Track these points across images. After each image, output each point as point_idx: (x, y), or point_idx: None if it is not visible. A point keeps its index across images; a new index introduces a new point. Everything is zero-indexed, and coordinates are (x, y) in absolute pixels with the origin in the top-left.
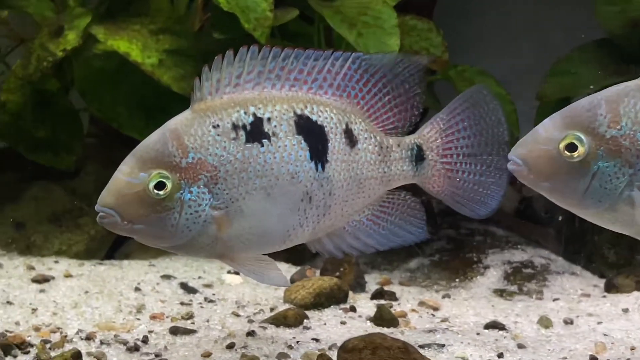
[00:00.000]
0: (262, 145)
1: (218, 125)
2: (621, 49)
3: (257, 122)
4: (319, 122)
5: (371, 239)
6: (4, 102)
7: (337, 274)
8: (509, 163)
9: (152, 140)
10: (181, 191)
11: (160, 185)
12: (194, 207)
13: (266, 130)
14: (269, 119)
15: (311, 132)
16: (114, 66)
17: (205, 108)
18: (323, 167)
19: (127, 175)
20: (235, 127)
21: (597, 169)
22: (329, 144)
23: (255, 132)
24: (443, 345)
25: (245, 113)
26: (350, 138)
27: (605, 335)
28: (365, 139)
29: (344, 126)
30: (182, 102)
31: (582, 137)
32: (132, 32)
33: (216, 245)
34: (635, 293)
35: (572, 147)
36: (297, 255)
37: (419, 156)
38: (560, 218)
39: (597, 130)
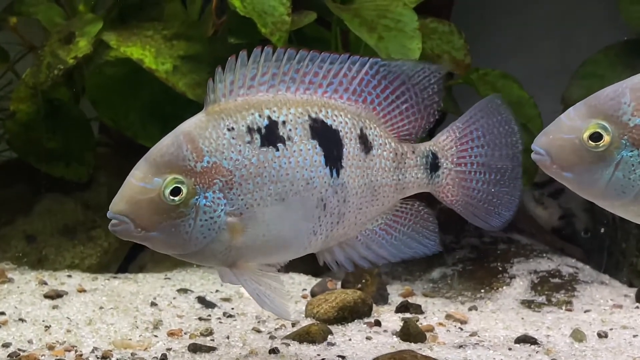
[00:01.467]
0: (277, 150)
1: (233, 128)
2: None
3: (272, 125)
4: (333, 127)
5: (383, 249)
6: (14, 111)
7: (359, 285)
8: (532, 153)
9: (166, 144)
10: (196, 197)
11: (175, 191)
12: (209, 213)
13: (281, 133)
14: (283, 122)
15: (326, 137)
16: (126, 73)
17: (219, 110)
18: (338, 173)
19: (140, 181)
20: (250, 130)
21: (620, 159)
22: (344, 149)
23: (270, 135)
24: None
25: (259, 116)
26: (365, 144)
27: None
28: (380, 144)
29: (358, 131)
30: (197, 110)
31: (607, 125)
32: (145, 38)
33: (229, 252)
34: None
35: (596, 137)
36: (316, 266)
37: (433, 164)
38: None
39: (621, 119)
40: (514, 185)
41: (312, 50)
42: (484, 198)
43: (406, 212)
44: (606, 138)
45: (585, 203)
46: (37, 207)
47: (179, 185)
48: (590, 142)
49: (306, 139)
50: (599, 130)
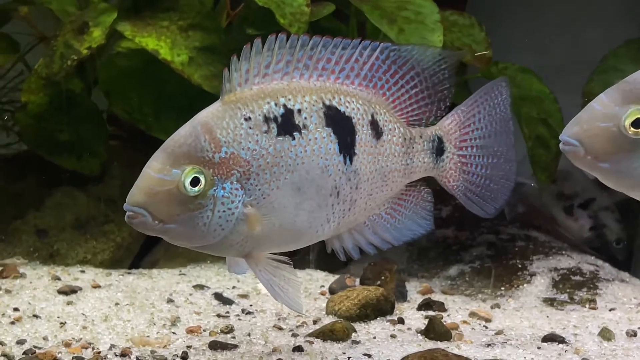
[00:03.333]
0: (294, 138)
1: (250, 118)
2: None
3: (288, 114)
4: (346, 114)
5: (388, 233)
6: (25, 103)
7: (378, 282)
8: (561, 144)
9: (183, 135)
10: (214, 187)
11: (194, 182)
12: (227, 204)
13: (297, 122)
14: (299, 111)
15: (340, 124)
16: (139, 64)
17: (235, 100)
18: (351, 160)
19: (158, 172)
20: (266, 119)
21: None
22: (357, 136)
23: (287, 124)
24: None
25: (275, 104)
26: (376, 130)
27: None
28: (390, 130)
29: (369, 117)
30: (212, 101)
31: None
32: (161, 28)
33: (246, 243)
34: None
35: (638, 123)
36: (330, 261)
37: (439, 148)
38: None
39: None
40: (508, 169)
41: (324, 36)
42: (482, 183)
43: (410, 195)
44: None
45: (616, 212)
46: (48, 201)
47: (198, 176)
48: (632, 129)
49: (321, 126)
50: None
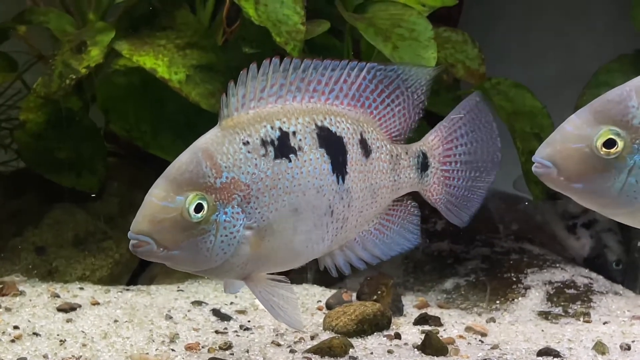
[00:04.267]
0: (290, 161)
1: (248, 142)
2: None
3: (284, 136)
4: (337, 134)
5: (377, 249)
6: (24, 121)
7: (375, 297)
8: (533, 166)
9: (184, 161)
10: (217, 213)
11: (198, 208)
12: (229, 228)
13: (292, 144)
14: (294, 133)
15: (332, 144)
16: (137, 83)
17: (233, 124)
18: (343, 179)
19: (162, 200)
20: (264, 142)
21: (633, 164)
22: (348, 156)
23: (283, 147)
24: None
25: (271, 128)
26: (365, 148)
27: None
28: (378, 147)
29: (359, 136)
30: (210, 119)
31: (619, 131)
32: (158, 47)
33: (246, 265)
34: None
35: (610, 143)
36: (327, 276)
37: (424, 164)
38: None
39: (630, 123)
40: (487, 181)
41: (314, 58)
42: (461, 194)
43: (397, 210)
44: (619, 144)
45: (618, 234)
46: (46, 218)
47: (201, 202)
48: (604, 149)
49: (315, 147)
50: (612, 137)
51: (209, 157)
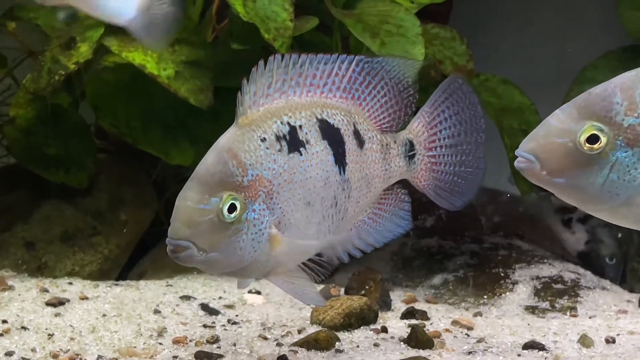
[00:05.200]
0: (301, 154)
1: (265, 139)
2: None
3: (293, 131)
4: (335, 126)
5: (371, 237)
6: (13, 117)
7: (363, 292)
8: (516, 160)
9: (211, 163)
10: (247, 211)
11: (231, 208)
12: (258, 225)
13: (301, 138)
14: (300, 127)
15: (332, 136)
16: (126, 79)
17: (248, 122)
18: (344, 170)
19: (197, 203)
20: (278, 138)
21: (615, 160)
22: (346, 147)
23: (294, 141)
24: None
25: (281, 123)
26: (359, 139)
27: None
28: (370, 138)
29: (353, 128)
30: (199, 115)
31: (602, 127)
32: None
33: (269, 262)
34: None
35: (593, 139)
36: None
37: (411, 151)
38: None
39: (614, 119)
40: (477, 164)
41: (309, 53)
42: (450, 179)
43: (388, 198)
44: (603, 140)
45: (614, 229)
46: (36, 214)
47: (234, 202)
48: (587, 144)
49: (319, 140)
50: (595, 132)
51: (234, 156)
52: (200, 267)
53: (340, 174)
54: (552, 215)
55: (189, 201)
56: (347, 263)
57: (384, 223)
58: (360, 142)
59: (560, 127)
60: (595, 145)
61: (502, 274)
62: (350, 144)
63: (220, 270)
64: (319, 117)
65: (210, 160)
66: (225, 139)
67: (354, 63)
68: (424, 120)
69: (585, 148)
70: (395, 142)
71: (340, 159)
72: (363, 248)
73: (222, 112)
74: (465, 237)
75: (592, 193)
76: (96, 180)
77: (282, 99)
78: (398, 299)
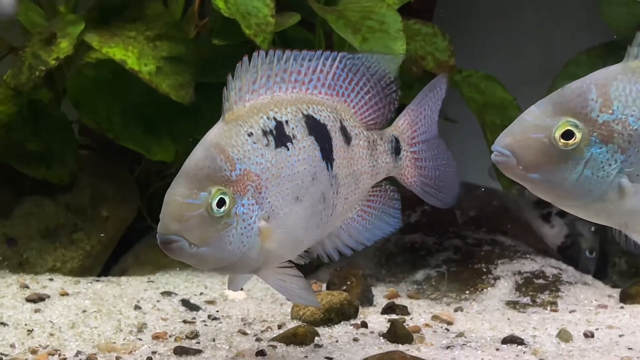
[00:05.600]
0: (288, 149)
1: (252, 133)
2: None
3: (279, 126)
4: (322, 122)
5: (361, 235)
6: None
7: (344, 287)
8: (493, 155)
9: (199, 158)
10: (236, 205)
11: (220, 203)
12: (247, 220)
13: (288, 133)
14: (287, 122)
15: (319, 132)
16: (108, 75)
17: (235, 117)
18: (331, 166)
19: (186, 197)
20: (264, 133)
21: (590, 156)
22: (333, 142)
23: (281, 136)
24: None
25: (268, 118)
26: (346, 135)
27: (629, 349)
28: (356, 134)
29: (339, 124)
30: (181, 111)
31: (577, 123)
32: (128, 39)
33: (259, 257)
34: None
35: (568, 135)
36: (299, 267)
37: (396, 148)
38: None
39: (589, 116)
40: (448, 158)
41: (293, 50)
42: (434, 175)
43: (378, 195)
44: (577, 136)
45: (594, 223)
46: (17, 210)
47: (223, 197)
48: (562, 140)
49: (306, 135)
50: (570, 128)
51: (222, 150)
52: (192, 263)
53: (328, 169)
54: (531, 209)
55: (178, 196)
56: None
57: (374, 221)
58: (347, 139)
59: (536, 122)
60: (570, 141)
61: (485, 269)
62: (337, 140)
63: (211, 266)
64: (305, 113)
65: (198, 155)
66: (213, 134)
67: (337, 60)
68: (410, 118)
69: (560, 144)
70: (381, 138)
71: (327, 155)
72: (353, 246)
73: (204, 108)
74: (448, 233)
75: (566, 189)
76: (78, 176)
77: (267, 94)
78: (380, 294)
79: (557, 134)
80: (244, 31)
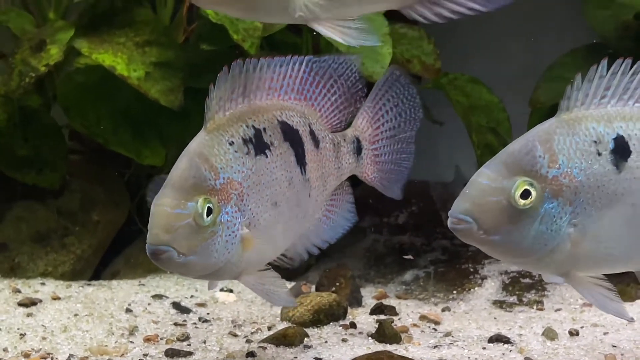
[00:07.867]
0: (267, 156)
1: (233, 142)
2: (614, 52)
3: (258, 134)
4: (294, 127)
5: (326, 234)
6: None
7: (333, 288)
8: (450, 221)
9: (184, 168)
10: (221, 214)
11: (208, 211)
12: (231, 227)
13: (266, 141)
14: (264, 130)
15: (292, 137)
16: (97, 80)
17: (216, 127)
18: (304, 170)
19: (174, 208)
20: (245, 141)
21: (544, 212)
22: (305, 147)
23: (260, 143)
24: None
25: (247, 127)
26: (315, 139)
27: (614, 346)
28: (323, 138)
29: (308, 128)
30: (170, 115)
31: (532, 181)
32: (117, 45)
33: (241, 263)
34: (639, 302)
35: (525, 194)
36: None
37: (358, 147)
38: None
39: (539, 172)
40: (409, 150)
41: (271, 56)
42: (389, 169)
43: (337, 194)
44: (533, 194)
45: None
46: (8, 215)
47: (210, 205)
48: (521, 200)
49: (282, 141)
50: (527, 187)
51: (205, 160)
52: (179, 272)
53: (302, 174)
54: None
55: (166, 207)
56: (320, 260)
57: (336, 219)
58: (316, 142)
59: (493, 185)
60: (528, 200)
61: (472, 269)
62: (308, 144)
63: (197, 274)
64: (279, 119)
65: (182, 165)
66: (196, 144)
67: (304, 64)
68: (368, 116)
69: (519, 204)
70: (344, 140)
71: (301, 160)
72: (320, 245)
73: (193, 112)
74: (436, 234)
75: (524, 246)
76: (68, 181)
77: (245, 103)
78: (369, 295)
79: (517, 194)
80: (232, 36)
